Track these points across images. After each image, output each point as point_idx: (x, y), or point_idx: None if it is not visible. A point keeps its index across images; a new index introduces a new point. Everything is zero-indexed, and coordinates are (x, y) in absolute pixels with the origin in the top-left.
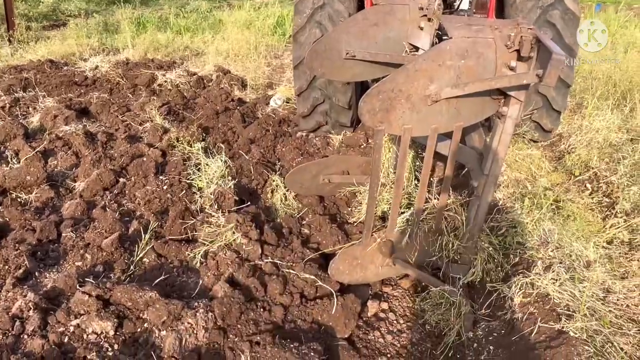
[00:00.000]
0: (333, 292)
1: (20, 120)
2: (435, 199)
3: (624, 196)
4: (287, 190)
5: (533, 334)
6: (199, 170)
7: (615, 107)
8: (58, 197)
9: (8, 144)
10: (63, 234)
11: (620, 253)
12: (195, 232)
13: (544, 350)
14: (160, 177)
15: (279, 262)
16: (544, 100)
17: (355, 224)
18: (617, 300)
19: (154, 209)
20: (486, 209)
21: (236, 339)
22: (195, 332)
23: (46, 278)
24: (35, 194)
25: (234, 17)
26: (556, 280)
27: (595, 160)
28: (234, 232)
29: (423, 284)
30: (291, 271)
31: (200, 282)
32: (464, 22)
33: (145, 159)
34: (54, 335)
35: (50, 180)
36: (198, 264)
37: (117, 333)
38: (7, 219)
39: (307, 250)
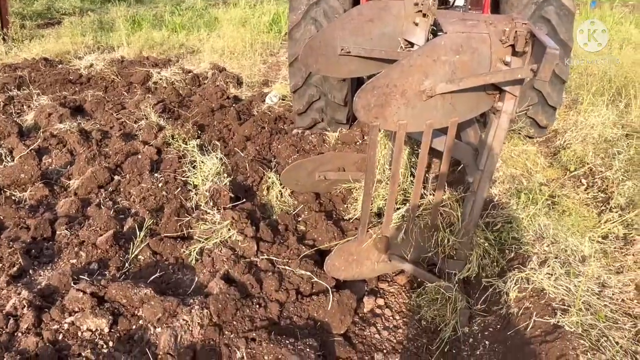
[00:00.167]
0: (329, 288)
1: (15, 119)
2: (430, 194)
3: (619, 191)
4: (283, 187)
5: (528, 329)
6: (194, 167)
7: (611, 102)
8: (52, 195)
9: (2, 142)
10: (57, 232)
11: (615, 248)
12: (191, 229)
13: (540, 344)
14: (155, 175)
15: (274, 258)
16: (540, 96)
17: (351, 220)
18: (612, 294)
19: (149, 206)
20: (481, 204)
21: (232, 336)
22: (190, 329)
23: (40, 276)
24: (30, 191)
25: (230, 15)
26: (551, 275)
27: (590, 155)
28: (229, 229)
29: (419, 279)
30: (287, 268)
31: (196, 279)
32: (458, 18)
33: (140, 156)
34: (48, 332)
35: (44, 178)
36: (193, 261)
37: (112, 330)
38: (2, 217)
39: (303, 247)
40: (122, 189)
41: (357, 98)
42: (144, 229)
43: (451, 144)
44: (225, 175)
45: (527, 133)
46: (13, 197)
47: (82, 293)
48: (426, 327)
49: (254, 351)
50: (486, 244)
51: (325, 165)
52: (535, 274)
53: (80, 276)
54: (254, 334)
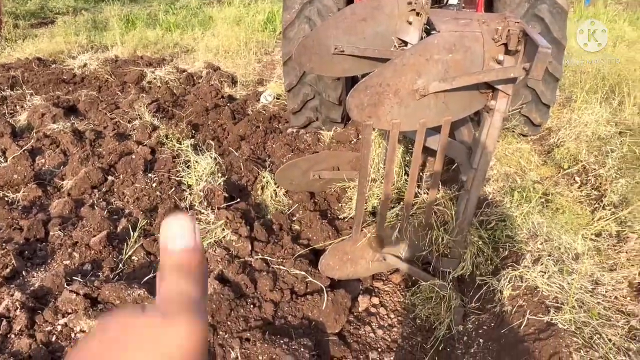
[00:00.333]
0: (323, 287)
1: (8, 119)
2: (424, 193)
3: (612, 189)
4: (278, 187)
5: (522, 327)
6: (188, 167)
7: (604, 100)
8: (46, 195)
9: None
10: (51, 233)
11: (608, 245)
12: None
13: (533, 342)
14: (149, 175)
15: (269, 258)
16: (533, 94)
17: (346, 219)
18: (606, 292)
19: (143, 206)
20: (475, 203)
21: (226, 336)
22: None
23: (33, 277)
24: (23, 192)
25: (224, 14)
26: (545, 272)
27: (584, 153)
28: (223, 229)
29: (413, 278)
30: (281, 267)
31: None
32: (451, 16)
33: (134, 156)
34: (41, 334)
35: (37, 179)
36: None
37: None
38: None
39: (298, 246)
40: (115, 189)
41: (350, 97)
42: (137, 229)
43: (445, 142)
44: (220, 174)
45: (521, 131)
46: (6, 198)
47: (75, 294)
48: (421, 326)
49: (248, 351)
50: (480, 243)
51: (319, 164)
52: (528, 272)
53: (74, 277)
54: (248, 334)
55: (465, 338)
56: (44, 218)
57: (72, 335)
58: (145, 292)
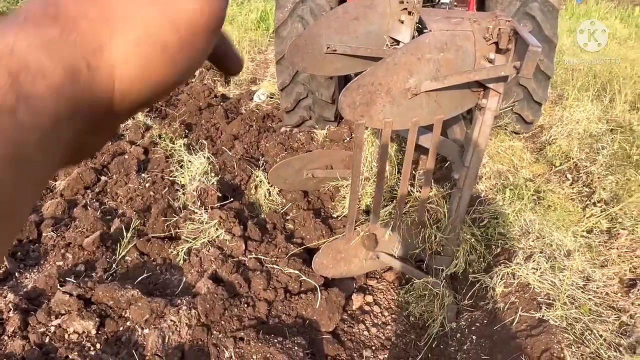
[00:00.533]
0: (317, 286)
1: None
2: (417, 191)
3: (603, 186)
4: (271, 186)
5: (514, 323)
6: (181, 167)
7: (595, 98)
8: None
9: None
10: (44, 234)
11: (599, 242)
12: (178, 229)
13: (525, 338)
14: (142, 175)
15: (262, 257)
16: (525, 92)
17: (339, 218)
18: (597, 288)
19: (136, 206)
20: (468, 200)
21: (220, 335)
22: (178, 329)
23: (26, 278)
24: None
25: None
26: (537, 269)
27: (575, 150)
28: (217, 229)
29: (407, 276)
30: (275, 266)
31: (184, 279)
32: (443, 15)
33: (126, 156)
34: (34, 335)
35: None
36: (181, 261)
37: (99, 332)
38: None
39: (291, 245)
40: (108, 190)
41: (343, 96)
42: (131, 229)
43: (437, 141)
44: (213, 174)
45: (514, 129)
46: None
47: (68, 295)
48: (414, 323)
49: (243, 350)
50: (473, 240)
51: (313, 163)
52: (521, 268)
53: (67, 278)
54: (242, 334)
55: (458, 335)
56: (37, 219)
57: (66, 336)
58: (139, 293)
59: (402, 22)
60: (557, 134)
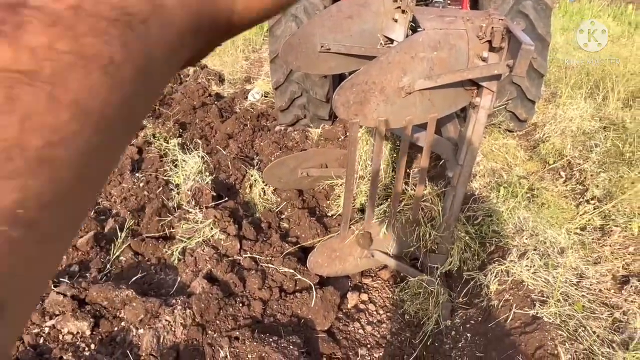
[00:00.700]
0: (312, 285)
1: None
2: (412, 190)
3: (596, 183)
4: (266, 185)
5: (508, 320)
6: (176, 166)
7: (589, 95)
8: None
9: None
10: None
11: (592, 239)
12: (173, 229)
13: (519, 335)
14: (137, 175)
15: (257, 256)
16: (519, 90)
17: (334, 216)
18: (590, 285)
19: (130, 206)
20: (462, 198)
21: (215, 335)
22: (173, 329)
23: None
24: None
25: None
26: (530, 267)
27: (568, 148)
28: (211, 228)
29: (402, 274)
30: (270, 265)
31: (179, 279)
32: (436, 14)
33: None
34: (28, 336)
35: None
36: (176, 261)
37: (94, 333)
38: None
39: (286, 244)
40: (102, 190)
41: (337, 95)
42: (125, 229)
43: (431, 139)
44: (207, 173)
45: (507, 127)
46: None
47: (62, 296)
48: (409, 321)
49: (238, 350)
50: (467, 238)
51: (307, 161)
52: (514, 266)
53: (61, 279)
54: (238, 333)
55: (453, 333)
56: None
57: (60, 337)
58: (134, 293)
59: (395, 20)
60: (550, 131)
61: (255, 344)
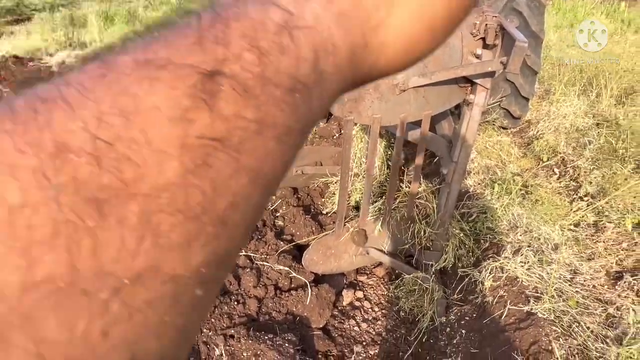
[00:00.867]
0: (307, 282)
1: None
2: (406, 187)
3: (590, 180)
4: None
5: (503, 317)
6: None
7: (582, 92)
8: None
9: None
10: None
11: (586, 235)
12: None
13: (514, 332)
14: None
15: (252, 254)
16: (512, 87)
17: (329, 214)
18: (584, 281)
19: None
20: (456, 195)
21: (210, 333)
22: None
23: None
24: None
25: None
26: (525, 263)
27: (562, 145)
28: None
29: (397, 271)
30: (265, 263)
31: None
32: None
33: None
34: None
35: None
36: None
37: None
38: None
39: (281, 242)
40: None
41: None
42: None
43: (425, 136)
44: None
45: (501, 124)
46: None
47: None
48: (404, 318)
49: (233, 348)
50: (462, 235)
51: (302, 159)
52: (509, 262)
53: None
54: (233, 331)
55: (448, 329)
56: None
57: None
58: None
59: None
60: (544, 128)
61: (250, 342)
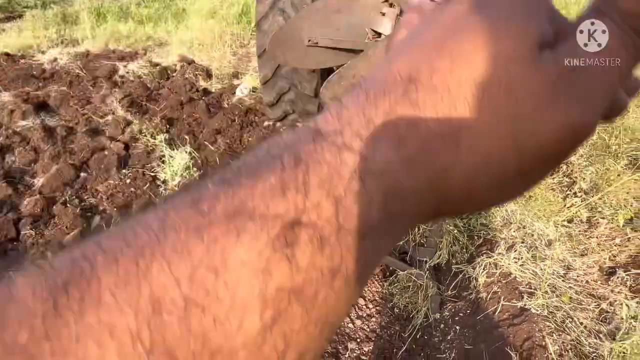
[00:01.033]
0: None
1: None
2: None
3: (583, 176)
4: None
5: (497, 313)
6: (163, 162)
7: None
8: (16, 194)
9: None
10: (22, 232)
11: (579, 231)
12: None
13: (507, 327)
14: (123, 171)
15: None
16: None
17: None
18: (577, 276)
19: (117, 203)
20: None
21: None
22: None
23: None
24: None
25: (198, 6)
26: (518, 259)
27: None
28: None
29: (391, 268)
30: None
31: None
32: None
33: (107, 152)
34: None
35: (7, 177)
36: None
37: None
38: None
39: None
40: (88, 186)
41: (324, 89)
42: (112, 226)
43: None
44: (195, 169)
45: None
46: None
47: None
48: (399, 315)
49: None
50: (455, 231)
51: None
52: (503, 259)
53: None
54: None
55: (442, 325)
56: (15, 217)
57: None
58: None
59: (383, 14)
60: None
61: None
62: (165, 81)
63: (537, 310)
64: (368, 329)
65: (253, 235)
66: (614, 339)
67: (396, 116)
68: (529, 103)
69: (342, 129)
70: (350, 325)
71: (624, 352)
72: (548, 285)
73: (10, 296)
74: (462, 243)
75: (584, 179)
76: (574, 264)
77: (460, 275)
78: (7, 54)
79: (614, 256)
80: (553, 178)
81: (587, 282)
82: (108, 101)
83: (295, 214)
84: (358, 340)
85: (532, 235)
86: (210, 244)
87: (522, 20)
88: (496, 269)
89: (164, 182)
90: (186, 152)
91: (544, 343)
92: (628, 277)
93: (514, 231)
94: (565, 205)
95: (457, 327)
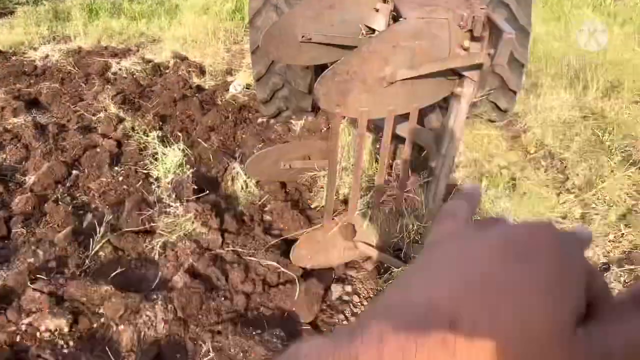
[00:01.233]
0: (296, 277)
1: None
2: (395, 180)
3: (577, 172)
4: (248, 178)
5: None
6: (156, 159)
7: (569, 85)
8: (7, 192)
9: None
10: (13, 230)
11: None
12: (153, 223)
13: None
14: (115, 168)
15: (240, 250)
16: (500, 80)
17: (318, 209)
18: None
19: (110, 200)
20: (444, 189)
21: (197, 329)
22: (154, 324)
23: None
24: None
25: (191, 2)
26: None
27: (549, 138)
28: (193, 222)
29: (386, 265)
30: (253, 259)
31: (160, 273)
32: (417, 3)
33: (99, 149)
34: (4, 334)
35: None
36: (157, 256)
37: (72, 330)
38: None
39: (269, 237)
40: (80, 184)
41: (318, 85)
42: (104, 224)
43: (413, 129)
44: (188, 166)
45: (489, 117)
46: None
47: (39, 293)
48: None
49: (220, 344)
50: None
51: (290, 153)
52: None
53: (38, 275)
54: (220, 327)
55: None
56: (6, 215)
57: (38, 334)
58: (113, 288)
59: (377, 10)
60: (531, 121)
61: (238, 337)
62: (158, 78)
63: None
64: None
65: None
66: None
67: None
68: None
69: None
70: (345, 322)
71: None
72: None
73: None
74: None
75: (577, 175)
76: None
77: None
78: None
79: (608, 252)
80: (547, 174)
81: None
82: (100, 98)
83: None
84: None
85: None
86: None
87: (562, 292)
88: None
89: (157, 179)
90: (179, 149)
91: None
92: (622, 273)
93: None
94: (559, 202)
95: None
